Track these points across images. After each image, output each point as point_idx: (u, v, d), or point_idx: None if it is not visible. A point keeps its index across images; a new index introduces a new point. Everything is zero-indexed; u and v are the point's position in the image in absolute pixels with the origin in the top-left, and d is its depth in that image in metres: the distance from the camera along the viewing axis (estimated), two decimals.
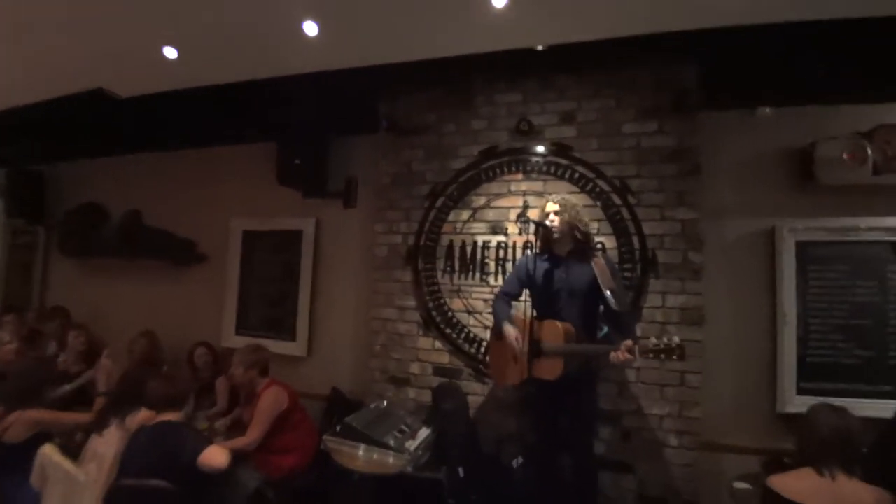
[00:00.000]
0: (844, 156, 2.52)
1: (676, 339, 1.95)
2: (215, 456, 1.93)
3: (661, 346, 1.94)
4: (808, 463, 1.56)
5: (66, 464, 2.13)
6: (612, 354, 2.00)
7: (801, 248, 2.66)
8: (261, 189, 3.60)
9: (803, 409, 2.49)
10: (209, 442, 2.02)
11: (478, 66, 2.62)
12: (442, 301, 2.98)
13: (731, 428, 2.67)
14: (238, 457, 2.17)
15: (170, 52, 2.25)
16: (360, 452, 2.34)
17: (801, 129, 2.67)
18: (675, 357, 1.94)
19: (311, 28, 2.13)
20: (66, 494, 2.09)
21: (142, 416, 2.22)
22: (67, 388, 2.95)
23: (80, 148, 4.10)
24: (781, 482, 1.54)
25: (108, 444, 2.23)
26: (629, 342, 1.98)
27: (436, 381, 2.92)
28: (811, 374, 2.62)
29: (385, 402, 2.87)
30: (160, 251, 3.86)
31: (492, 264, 2.90)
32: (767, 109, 2.73)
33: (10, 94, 2.98)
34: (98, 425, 2.37)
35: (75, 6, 2.04)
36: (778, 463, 2.34)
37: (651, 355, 1.98)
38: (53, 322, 3.65)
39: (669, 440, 2.53)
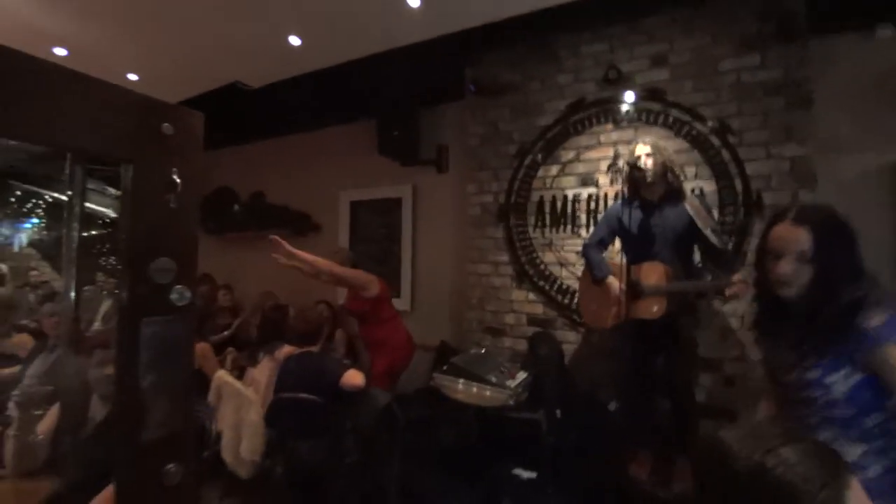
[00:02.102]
0: None
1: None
2: (355, 377, 2.29)
3: None
4: None
5: (238, 384, 2.65)
6: (728, 290, 2.01)
7: None
8: (363, 162, 4.01)
9: None
10: (347, 366, 2.41)
11: (562, 17, 2.66)
12: (534, 255, 3.14)
13: None
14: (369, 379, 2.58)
15: (294, 41, 2.63)
16: (461, 386, 2.62)
17: None
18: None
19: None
20: (237, 407, 2.61)
21: (286, 349, 2.69)
22: (226, 334, 3.61)
23: (214, 139, 4.83)
24: None
25: (261, 372, 2.74)
26: (739, 275, 2.00)
27: (530, 330, 3.10)
28: None
29: (484, 349, 3.12)
30: (281, 224, 4.46)
31: (583, 216, 2.98)
32: (889, 29, 2.47)
33: (162, 94, 3.63)
34: (251, 359, 2.91)
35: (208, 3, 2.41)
36: None
37: None
38: (204, 286, 4.41)
39: None
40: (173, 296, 0.84)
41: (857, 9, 2.45)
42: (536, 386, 2.75)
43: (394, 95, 3.55)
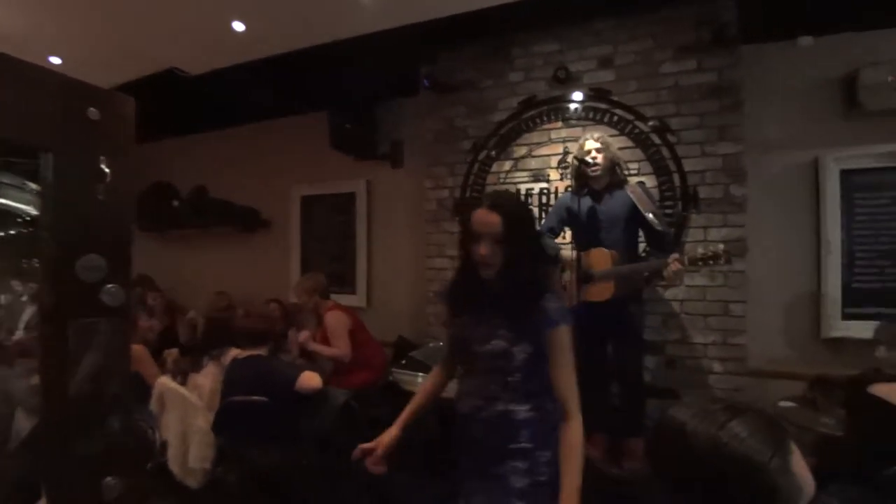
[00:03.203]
0: (889, 79, 2.50)
1: (721, 246, 2.10)
2: (311, 379, 2.22)
3: (708, 253, 2.10)
4: None
5: (182, 390, 2.51)
6: (666, 270, 2.15)
7: (846, 176, 2.68)
8: (315, 156, 3.88)
9: (848, 334, 2.62)
10: (301, 368, 2.34)
11: (514, 16, 2.71)
12: None
13: (776, 354, 2.77)
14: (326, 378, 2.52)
15: (238, 26, 2.50)
16: (420, 380, 2.63)
17: (843, 56, 2.65)
18: (721, 262, 2.10)
19: None
20: (183, 414, 2.47)
21: (233, 352, 2.57)
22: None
23: (149, 130, 4.50)
24: (884, 390, 1.60)
25: (206, 378, 2.61)
26: (676, 255, 2.15)
27: None
28: (857, 300, 2.67)
29: (442, 343, 3.13)
30: (226, 220, 4.25)
31: (535, 210, 3.06)
32: (809, 38, 2.71)
33: (92, 80, 3.34)
34: (195, 363, 2.77)
35: None
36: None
37: (700, 262, 2.13)
38: (139, 288, 4.13)
39: (714, 367, 2.67)
40: (104, 296, 0.77)
41: (782, 20, 2.67)
42: None
43: (347, 88, 3.47)
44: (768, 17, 2.65)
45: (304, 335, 2.93)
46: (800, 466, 0.62)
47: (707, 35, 2.64)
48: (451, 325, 1.40)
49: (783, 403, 2.57)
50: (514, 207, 1.27)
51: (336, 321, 2.93)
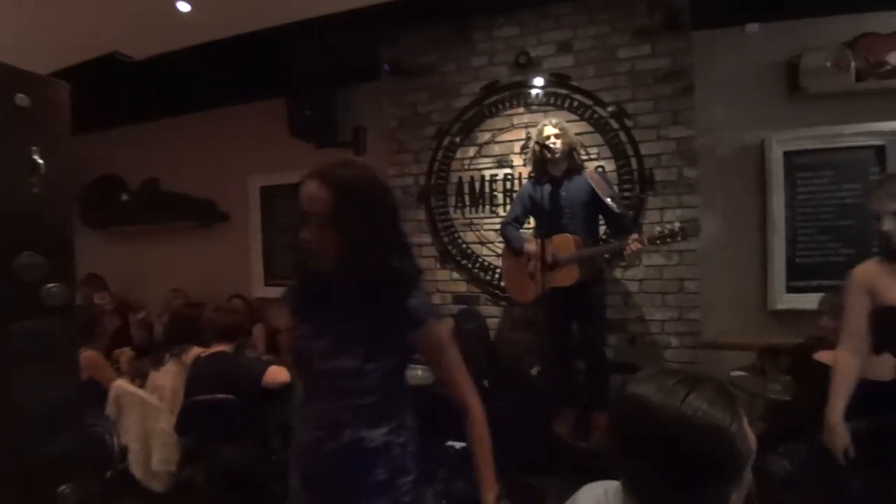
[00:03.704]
0: (828, 64, 2.66)
1: (678, 224, 2.19)
2: (278, 374, 2.16)
3: (666, 231, 2.19)
4: None
5: (140, 392, 2.41)
6: (626, 250, 2.23)
7: (789, 157, 2.83)
8: (274, 145, 3.74)
9: (793, 306, 2.81)
10: (267, 363, 2.28)
11: (475, 1, 2.70)
12: (456, 235, 3.19)
13: (727, 327, 2.94)
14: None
15: (183, 6, 2.35)
16: None
17: (787, 42, 2.79)
18: (679, 239, 2.19)
19: None
20: (143, 417, 2.38)
21: (195, 350, 2.48)
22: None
23: (92, 120, 4.21)
24: (827, 356, 1.74)
25: (166, 377, 2.51)
26: (635, 235, 2.23)
27: (456, 308, 3.16)
28: (800, 274, 2.86)
29: None
30: (181, 214, 4.05)
31: (500, 196, 3.09)
32: (755, 25, 2.84)
33: (23, 66, 3.08)
34: (156, 363, 2.65)
35: None
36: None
37: (658, 241, 2.22)
38: (86, 287, 3.90)
39: (671, 342, 2.80)
40: (46, 296, 0.72)
41: (730, 7, 2.77)
42: (464, 360, 2.84)
43: (305, 73, 3.35)
44: (718, 4, 2.74)
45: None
46: (748, 428, 0.67)
47: (660, 21, 2.71)
48: (290, 335, 1.10)
49: (734, 373, 2.73)
50: (350, 178, 0.96)
51: None
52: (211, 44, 2.84)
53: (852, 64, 2.64)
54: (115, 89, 3.48)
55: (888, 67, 2.64)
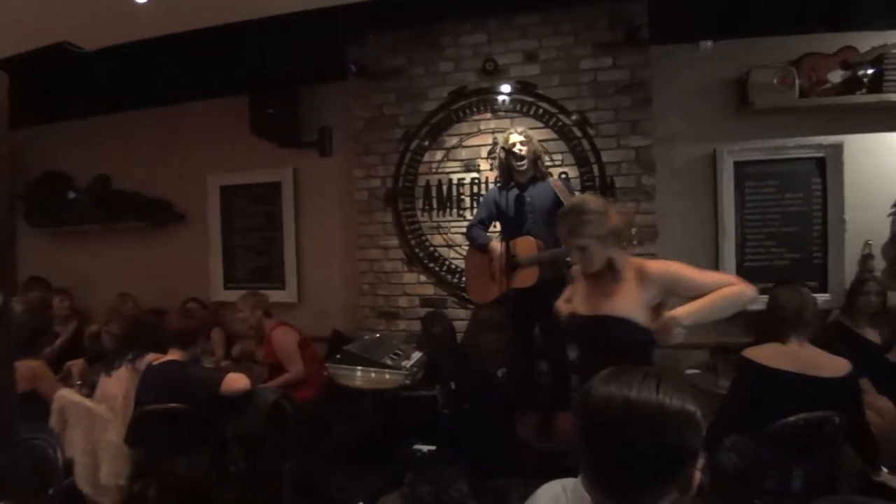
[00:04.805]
0: (775, 81, 2.84)
1: (634, 230, 2.31)
2: (237, 381, 2.07)
3: None
4: (774, 336, 1.83)
5: (87, 402, 2.27)
6: None
7: (738, 167, 3.00)
8: (235, 143, 3.63)
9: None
10: (224, 370, 2.20)
11: (443, 6, 2.72)
12: (423, 238, 3.20)
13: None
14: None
15: None
16: (359, 373, 2.59)
17: (737, 60, 2.96)
18: (635, 243, 2.29)
19: None
20: (89, 429, 2.24)
21: (149, 357, 2.36)
22: (56, 344, 3.05)
23: (37, 113, 3.94)
24: (754, 353, 1.81)
25: (118, 385, 2.37)
26: None
27: (423, 311, 3.16)
28: (748, 276, 2.97)
29: (378, 334, 3.11)
30: (134, 214, 3.86)
31: (467, 200, 3.12)
32: (709, 43, 2.99)
33: None
34: (108, 367, 2.50)
35: None
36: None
37: None
38: (33, 292, 3.64)
39: None
40: None
41: (686, 25, 2.92)
42: (431, 363, 2.84)
43: (268, 70, 3.27)
44: (674, 22, 2.88)
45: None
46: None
47: (621, 35, 2.82)
48: None
49: (689, 371, 2.87)
50: None
51: (286, 339, 2.89)
52: (169, 37, 2.71)
53: (797, 81, 2.83)
54: (64, 81, 3.29)
55: (829, 85, 2.84)
